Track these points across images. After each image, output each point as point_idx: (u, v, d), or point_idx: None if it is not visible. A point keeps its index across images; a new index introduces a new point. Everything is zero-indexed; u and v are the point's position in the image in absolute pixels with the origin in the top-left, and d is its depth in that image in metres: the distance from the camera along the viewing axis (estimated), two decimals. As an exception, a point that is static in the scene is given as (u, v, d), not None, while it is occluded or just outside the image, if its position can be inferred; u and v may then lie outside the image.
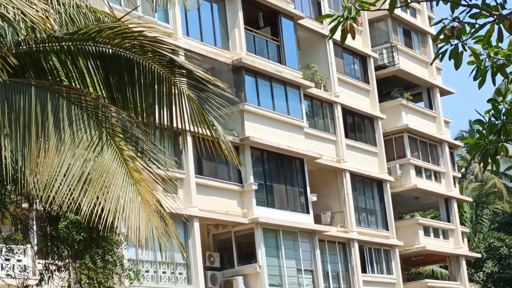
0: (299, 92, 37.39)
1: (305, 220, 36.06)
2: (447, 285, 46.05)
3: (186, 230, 30.98)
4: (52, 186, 9.68)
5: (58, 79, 11.32)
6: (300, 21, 38.67)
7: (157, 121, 11.55)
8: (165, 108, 11.49)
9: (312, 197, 36.77)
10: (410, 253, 44.42)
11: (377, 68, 44.88)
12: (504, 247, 50.16)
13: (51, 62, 11.21)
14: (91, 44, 10.99)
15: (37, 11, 9.90)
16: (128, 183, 9.91)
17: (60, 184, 9.68)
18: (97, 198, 9.71)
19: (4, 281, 15.56)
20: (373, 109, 43.25)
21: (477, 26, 9.80)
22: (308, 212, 36.63)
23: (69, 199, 9.70)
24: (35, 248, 16.50)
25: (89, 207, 9.63)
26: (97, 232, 10.74)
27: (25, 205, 14.12)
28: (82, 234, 12.89)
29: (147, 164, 10.62)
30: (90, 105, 10.45)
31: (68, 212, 10.14)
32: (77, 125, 10.20)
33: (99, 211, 9.62)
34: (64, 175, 9.76)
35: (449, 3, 9.48)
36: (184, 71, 11.38)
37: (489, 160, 10.08)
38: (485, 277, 49.84)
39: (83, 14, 12.13)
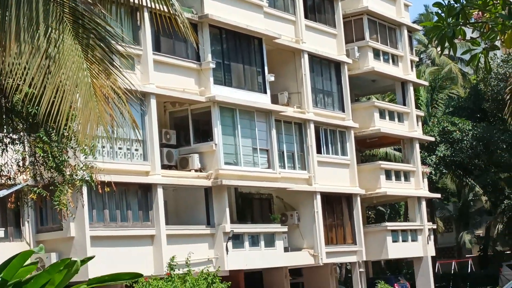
0: (260, -30, 36.88)
1: (262, 100, 36.15)
2: (400, 167, 46.79)
3: (143, 108, 30.91)
4: (12, 76, 9.56)
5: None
6: None
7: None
8: (121, -18, 11.25)
9: (270, 77, 36.76)
10: (365, 135, 44.89)
11: None
12: (457, 131, 50.89)
13: None
14: None
15: None
16: (85, 76, 9.80)
17: (21, 73, 9.57)
18: (57, 90, 9.62)
19: (-43, 153, 15.45)
20: (333, -10, 42.87)
21: None
22: (265, 92, 36.69)
23: (30, 93, 9.63)
24: (-11, 120, 16.38)
25: (48, 101, 9.55)
26: (52, 108, 10.65)
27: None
28: (36, 108, 12.73)
29: (104, 41, 10.46)
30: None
31: (23, 85, 10.03)
32: (36, 12, 9.96)
33: (56, 107, 9.55)
34: (24, 68, 9.64)
35: None
36: None
37: (446, 44, 10.08)
38: (437, 160, 50.70)
39: None
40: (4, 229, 27.09)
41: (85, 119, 9.52)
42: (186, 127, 34.31)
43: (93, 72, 9.96)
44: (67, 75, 9.63)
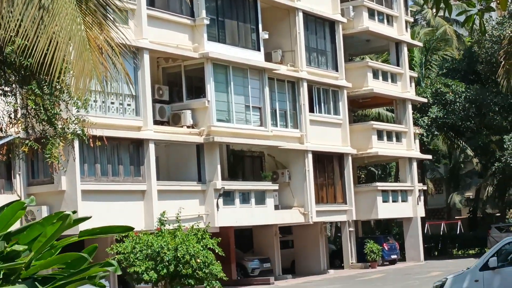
0: None
1: (255, 57, 36.05)
2: (392, 128, 46.86)
3: (136, 62, 30.80)
4: (5, 27, 9.50)
5: None
6: None
7: None
8: None
9: (264, 35, 36.63)
10: (358, 95, 44.89)
11: None
12: (450, 93, 50.82)
13: None
14: None
15: None
16: (79, 29, 9.75)
17: (14, 25, 9.51)
18: (50, 41, 9.57)
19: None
20: None
21: None
22: (259, 50, 36.59)
23: (22, 45, 9.58)
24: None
25: (41, 53, 9.51)
26: (47, 62, 10.65)
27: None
28: (29, 60, 12.65)
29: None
30: None
31: (16, 36, 9.97)
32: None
33: (49, 58, 9.50)
34: (17, 19, 9.57)
35: None
36: None
37: (442, 5, 10.05)
38: (429, 122, 50.71)
39: None
40: (-5, 181, 27.12)
41: (78, 69, 9.49)
42: (179, 83, 34.25)
43: (87, 23, 9.91)
44: (61, 26, 9.58)
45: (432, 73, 55.40)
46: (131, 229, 7.00)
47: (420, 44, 52.15)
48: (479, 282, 16.97)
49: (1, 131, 14.95)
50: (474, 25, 10.70)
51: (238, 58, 34.79)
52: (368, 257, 43.74)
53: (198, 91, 34.15)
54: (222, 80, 34.36)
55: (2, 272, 6.28)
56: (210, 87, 33.52)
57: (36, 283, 6.52)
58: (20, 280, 6.48)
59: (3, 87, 14.32)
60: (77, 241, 7.25)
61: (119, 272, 6.94)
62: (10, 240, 6.56)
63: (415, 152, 47.87)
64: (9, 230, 6.66)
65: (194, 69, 34.02)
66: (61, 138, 14.66)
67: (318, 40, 41.78)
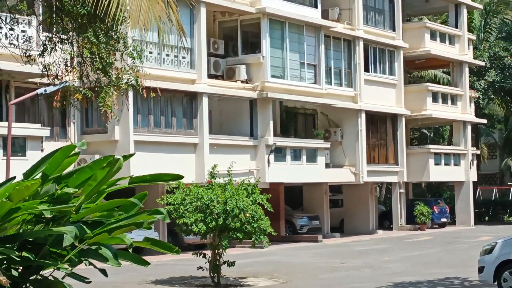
0: None
1: (312, 14, 35.83)
2: (448, 90, 46.38)
3: (192, 15, 30.82)
4: None
5: None
6: None
7: None
8: None
9: (321, -8, 36.36)
10: (414, 56, 44.46)
11: None
12: (509, 57, 50.04)
13: None
14: None
15: None
16: None
17: None
18: None
19: (8, 50, 15.56)
20: None
21: None
22: (316, 7, 36.36)
23: None
24: (40, 19, 16.43)
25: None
26: (102, 8, 10.67)
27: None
28: (86, 8, 12.71)
29: None
30: None
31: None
32: None
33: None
34: None
35: None
36: None
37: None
38: (486, 86, 50.06)
39: None
40: (50, 128, 27.45)
41: (136, 5, 9.49)
42: (235, 38, 34.23)
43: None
44: None
45: (491, 36, 54.55)
46: (181, 177, 7.00)
47: (480, 7, 51.35)
48: (529, 248, 16.81)
49: (57, 78, 15.10)
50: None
51: (295, 15, 34.62)
52: (418, 219, 43.60)
53: (253, 46, 34.10)
54: (277, 36, 34.25)
55: (53, 215, 6.36)
56: (265, 42, 33.44)
57: (84, 227, 6.59)
58: (69, 223, 6.55)
59: (60, 34, 14.42)
60: (128, 189, 7.28)
61: (168, 220, 6.96)
62: (60, 183, 6.63)
63: (470, 115, 47.38)
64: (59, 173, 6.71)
65: (250, 24, 33.95)
66: (115, 87, 14.76)
67: (376, -2, 41.37)
